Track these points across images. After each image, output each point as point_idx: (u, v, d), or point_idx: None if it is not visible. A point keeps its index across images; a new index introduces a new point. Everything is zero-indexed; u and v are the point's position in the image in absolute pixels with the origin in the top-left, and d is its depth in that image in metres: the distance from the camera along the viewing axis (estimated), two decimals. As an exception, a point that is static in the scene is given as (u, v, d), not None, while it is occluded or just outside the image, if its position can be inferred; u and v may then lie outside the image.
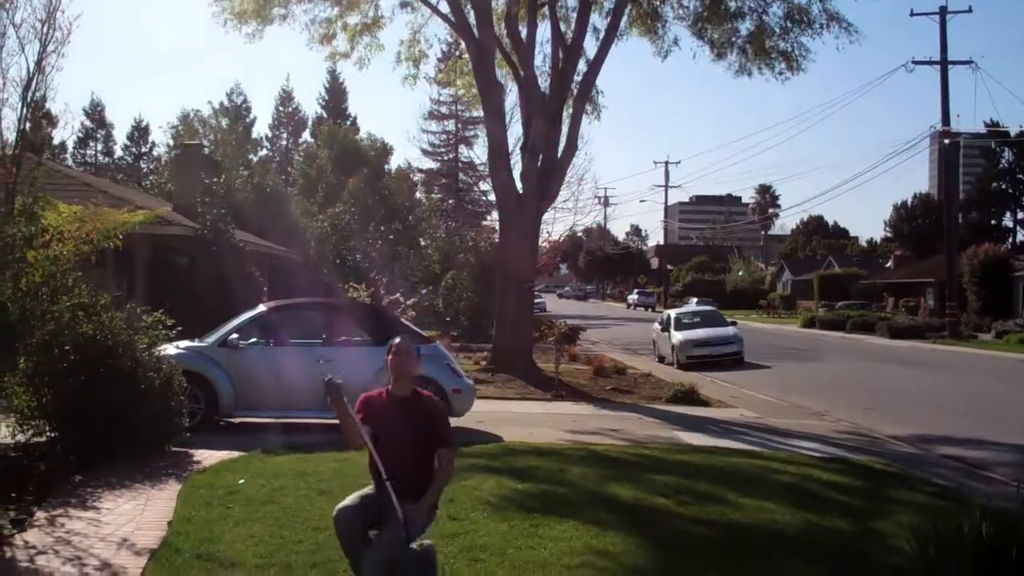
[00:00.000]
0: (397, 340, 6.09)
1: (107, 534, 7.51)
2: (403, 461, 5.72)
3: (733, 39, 24.03)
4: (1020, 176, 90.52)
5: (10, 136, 9.18)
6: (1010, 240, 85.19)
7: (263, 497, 8.78)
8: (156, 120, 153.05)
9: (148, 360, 11.11)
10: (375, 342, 14.10)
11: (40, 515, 8.05)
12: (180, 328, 12.99)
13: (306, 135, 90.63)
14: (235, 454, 11.13)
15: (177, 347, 13.20)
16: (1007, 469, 12.24)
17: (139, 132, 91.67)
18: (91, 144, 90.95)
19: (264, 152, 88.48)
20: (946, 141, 45.15)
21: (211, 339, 13.97)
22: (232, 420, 13.90)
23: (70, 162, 74.70)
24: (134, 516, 8.13)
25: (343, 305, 19.20)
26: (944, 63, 44.03)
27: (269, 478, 9.66)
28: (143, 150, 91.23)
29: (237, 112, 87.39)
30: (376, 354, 13.76)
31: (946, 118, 44.02)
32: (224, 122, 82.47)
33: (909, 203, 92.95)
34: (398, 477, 5.63)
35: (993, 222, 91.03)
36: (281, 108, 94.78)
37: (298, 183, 62.91)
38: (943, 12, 43.92)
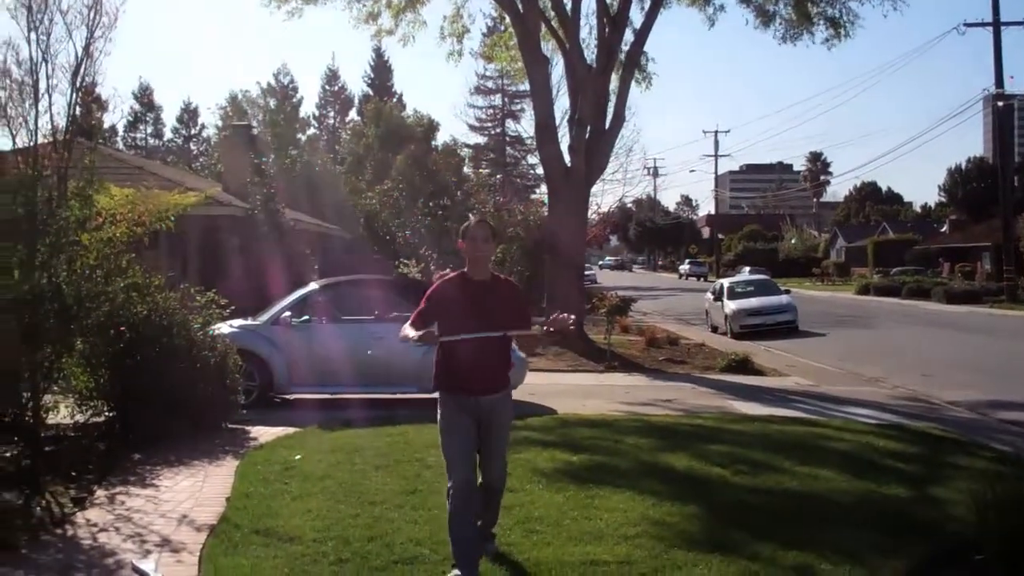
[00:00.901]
0: (472, 222, 5.99)
1: (167, 511, 7.61)
2: (486, 350, 5.81)
3: (779, 5, 23.70)
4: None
5: (61, 121, 9.27)
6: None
7: (320, 472, 8.86)
8: (204, 102, 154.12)
9: (203, 339, 11.25)
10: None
11: (100, 493, 8.18)
12: (233, 307, 13.14)
13: (353, 113, 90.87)
14: (291, 430, 11.24)
15: (231, 326, 13.35)
16: (1069, 433, 12.04)
17: (188, 114, 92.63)
18: (141, 127, 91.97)
19: (312, 131, 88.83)
20: (1000, 104, 44.35)
21: (264, 317, 14.11)
22: (287, 397, 14.04)
23: (120, 146, 75.65)
24: (193, 492, 8.24)
25: (393, 281, 19.30)
26: (996, 24, 43.18)
27: (325, 453, 9.74)
28: (192, 132, 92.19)
29: (284, 92, 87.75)
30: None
31: (999, 80, 43.22)
32: (272, 102, 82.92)
33: (963, 167, 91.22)
34: (475, 370, 5.81)
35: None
36: (327, 87, 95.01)
37: (346, 161, 63.12)
38: (995, -28, 43.02)
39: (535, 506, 7.55)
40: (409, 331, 5.86)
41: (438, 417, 5.98)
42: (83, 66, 9.14)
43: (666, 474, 8.91)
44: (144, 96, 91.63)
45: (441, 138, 72.70)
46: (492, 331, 5.78)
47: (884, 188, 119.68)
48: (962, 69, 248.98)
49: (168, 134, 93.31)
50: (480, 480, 6.03)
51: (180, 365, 10.59)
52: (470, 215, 51.47)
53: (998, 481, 6.05)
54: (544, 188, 31.64)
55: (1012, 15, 68.50)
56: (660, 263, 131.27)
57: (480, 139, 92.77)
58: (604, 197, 58.58)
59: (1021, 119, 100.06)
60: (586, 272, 35.34)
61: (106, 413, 10.62)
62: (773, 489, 8.39)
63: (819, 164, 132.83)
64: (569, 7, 23.22)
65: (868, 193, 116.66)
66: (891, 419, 12.89)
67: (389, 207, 44.69)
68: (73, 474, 8.75)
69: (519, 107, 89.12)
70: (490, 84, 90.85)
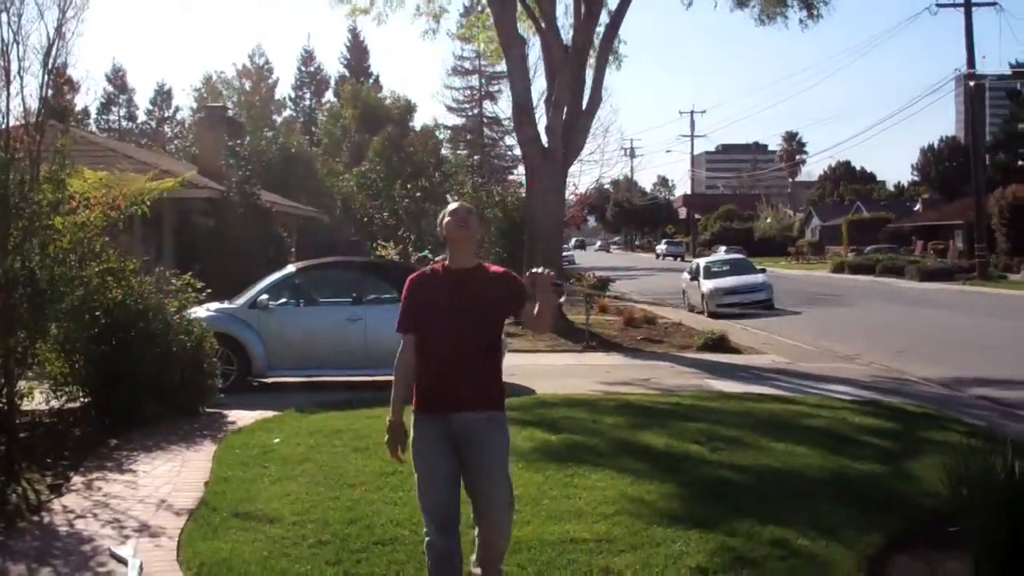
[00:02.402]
0: (453, 206, 5.09)
1: (145, 496, 7.60)
2: (465, 350, 4.81)
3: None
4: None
5: (33, 104, 9.18)
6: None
7: (299, 456, 8.86)
8: (179, 84, 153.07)
9: (179, 323, 11.22)
10: (404, 299, 14.17)
11: (77, 480, 8.16)
12: (209, 290, 13.10)
13: (329, 95, 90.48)
14: (269, 414, 11.24)
15: (207, 309, 13.31)
16: (1040, 407, 12.18)
17: (162, 96, 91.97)
18: (114, 109, 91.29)
19: (288, 113, 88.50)
20: (971, 83, 44.58)
21: (241, 300, 14.06)
22: (265, 380, 14.01)
23: (93, 128, 75.04)
24: (171, 478, 8.22)
25: (371, 263, 19.25)
26: (968, 5, 43.43)
27: (304, 436, 9.74)
28: (166, 114, 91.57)
29: (259, 73, 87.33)
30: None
31: (971, 60, 43.50)
32: (247, 84, 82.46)
33: (936, 146, 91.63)
34: (448, 376, 4.80)
35: (1020, 163, 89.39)
36: (303, 68, 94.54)
37: (323, 143, 62.91)
38: (967, -48, 43.21)
39: (515, 486, 7.55)
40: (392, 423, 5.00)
41: (410, 442, 4.93)
42: (55, 47, 9.05)
43: (644, 452, 8.96)
44: (117, 78, 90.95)
45: (419, 120, 72.56)
46: (474, 323, 4.82)
47: (858, 167, 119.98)
48: (935, 49, 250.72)
49: (142, 116, 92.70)
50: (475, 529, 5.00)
51: (156, 349, 10.56)
52: (448, 196, 51.45)
53: (971, 455, 6.09)
54: (522, 169, 31.64)
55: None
56: (637, 243, 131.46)
57: (458, 120, 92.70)
58: (582, 178, 58.74)
59: (992, 99, 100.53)
60: (564, 252, 35.36)
61: (82, 399, 10.57)
62: (750, 466, 8.44)
63: (794, 144, 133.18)
64: (545, -14, 23.15)
65: (842, 172, 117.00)
66: (866, 395, 12.99)
67: (366, 189, 44.58)
68: (49, 460, 8.72)
69: (496, 88, 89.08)
70: (467, 65, 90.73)
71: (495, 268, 5.10)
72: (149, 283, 11.21)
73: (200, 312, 12.63)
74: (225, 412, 11.39)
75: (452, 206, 5.11)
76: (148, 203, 11.52)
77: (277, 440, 9.58)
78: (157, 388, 10.42)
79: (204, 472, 8.37)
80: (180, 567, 5.98)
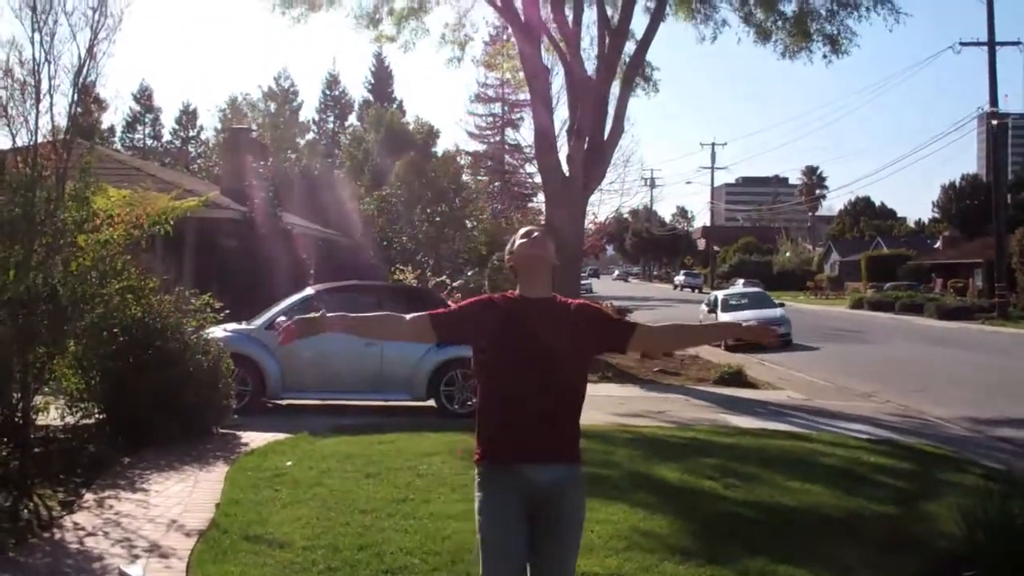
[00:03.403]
0: (524, 230, 4.45)
1: (156, 516, 7.59)
2: (544, 392, 4.06)
3: (779, 22, 23.77)
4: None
5: (61, 122, 9.28)
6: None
7: (310, 479, 8.84)
8: (204, 104, 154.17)
9: (196, 342, 11.23)
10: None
11: (89, 497, 8.16)
12: (228, 311, 13.13)
13: (352, 118, 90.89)
14: (282, 436, 11.23)
15: (225, 330, 13.34)
16: (1059, 451, 12.08)
17: (187, 116, 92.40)
18: (139, 128, 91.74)
19: (311, 135, 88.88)
20: (994, 122, 44.49)
21: (259, 322, 14.10)
22: (280, 402, 14.03)
23: (118, 146, 75.61)
24: (183, 498, 8.22)
25: (390, 287, 19.30)
26: (992, 44, 43.38)
27: (316, 460, 9.72)
28: (191, 134, 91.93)
29: (284, 96, 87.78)
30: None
31: (994, 99, 43.49)
32: (272, 106, 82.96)
33: (957, 184, 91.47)
34: (527, 423, 4.05)
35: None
36: (328, 92, 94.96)
37: (345, 166, 63.16)
38: (990, -7, 43.25)
39: (526, 516, 7.52)
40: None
41: (475, 504, 4.14)
42: (86, 67, 9.16)
43: (658, 486, 8.91)
44: (144, 97, 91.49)
45: (441, 145, 72.82)
46: (553, 362, 4.08)
47: (878, 203, 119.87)
48: (957, 87, 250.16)
49: (167, 135, 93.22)
50: None
51: (173, 368, 10.56)
52: (467, 222, 51.30)
53: (988, 498, 6.05)
54: (542, 197, 31.64)
55: (1007, 35, 68.92)
56: (655, 274, 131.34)
57: (479, 146, 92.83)
58: (601, 207, 58.68)
59: (1015, 137, 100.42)
60: (582, 281, 35.36)
61: (97, 415, 10.59)
62: (765, 503, 8.39)
63: (815, 178, 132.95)
64: (571, 18, 23.26)
65: (862, 208, 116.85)
66: (883, 434, 12.91)
67: (387, 213, 44.68)
68: (62, 477, 8.72)
69: (519, 116, 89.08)
70: (490, 92, 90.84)
71: (574, 301, 4.37)
72: (168, 302, 11.24)
73: (218, 332, 12.67)
74: (239, 433, 11.39)
75: (524, 229, 4.48)
76: (171, 222, 11.58)
77: (289, 463, 9.57)
78: (172, 407, 10.43)
79: (216, 493, 8.36)
80: (189, 589, 5.98)
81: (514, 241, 4.39)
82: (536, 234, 4.35)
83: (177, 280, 15.21)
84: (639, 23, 24.33)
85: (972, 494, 7.40)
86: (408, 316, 4.28)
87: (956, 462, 10.88)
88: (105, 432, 10.43)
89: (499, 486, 4.05)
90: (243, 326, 14.02)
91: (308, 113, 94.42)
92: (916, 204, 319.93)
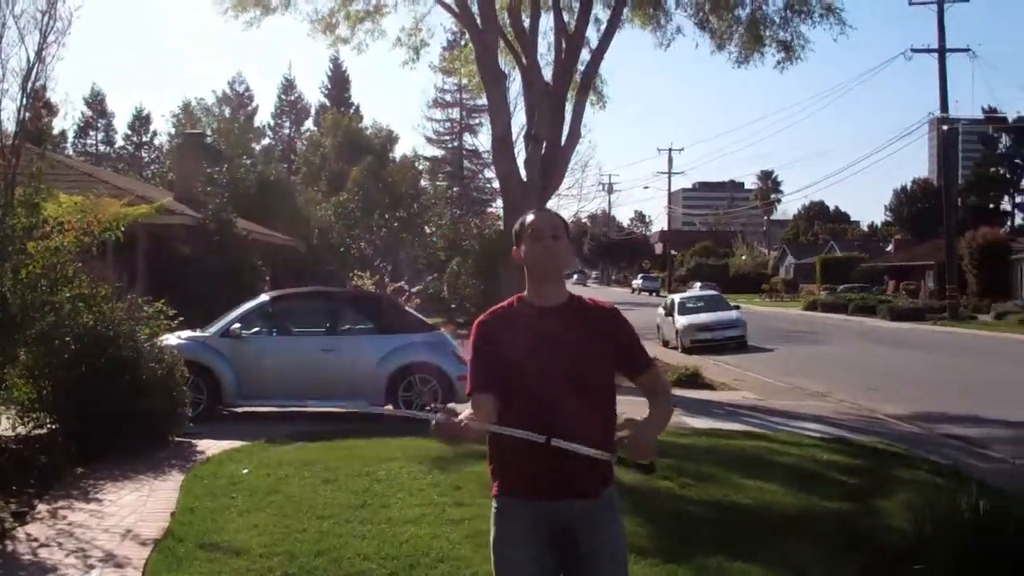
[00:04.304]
0: (531, 216, 3.72)
1: (110, 525, 7.53)
2: (563, 407, 3.46)
3: (733, 29, 24.00)
4: (1018, 161, 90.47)
5: (10, 127, 9.19)
6: (1008, 223, 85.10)
7: (267, 487, 8.80)
8: (158, 109, 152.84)
9: (150, 350, 11.11)
10: (378, 330, 14.21)
11: (42, 508, 8.07)
12: (182, 318, 13.03)
13: (309, 123, 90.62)
14: (239, 444, 11.16)
15: (179, 337, 13.23)
16: (1005, 446, 12.30)
17: (140, 121, 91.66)
18: (92, 134, 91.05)
19: (267, 141, 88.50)
20: (945, 127, 45.14)
21: (213, 329, 14.00)
22: (236, 410, 13.94)
23: (71, 152, 74.77)
24: (137, 507, 8.15)
25: (346, 294, 19.25)
26: (942, 51, 44.08)
27: (273, 467, 9.67)
28: (144, 139, 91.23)
29: (239, 101, 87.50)
30: (379, 342, 13.92)
31: (944, 105, 44.16)
32: (226, 111, 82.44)
33: (909, 188, 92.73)
34: (551, 453, 3.37)
35: (991, 206, 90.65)
36: (283, 96, 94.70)
37: (301, 171, 62.89)
38: (940, 1, 43.91)
39: (484, 520, 7.42)
40: (463, 413, 3.43)
41: (491, 541, 3.71)
42: (35, 71, 9.09)
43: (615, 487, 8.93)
44: (96, 102, 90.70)
45: (399, 150, 72.70)
46: (576, 379, 3.52)
47: (832, 207, 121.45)
48: (909, 93, 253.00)
49: (119, 141, 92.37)
50: None
51: (126, 377, 10.44)
52: (426, 228, 51.12)
53: (937, 494, 6.15)
54: (500, 202, 31.71)
55: (957, 42, 69.77)
56: (613, 278, 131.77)
57: (437, 152, 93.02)
58: (560, 212, 58.76)
59: (965, 143, 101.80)
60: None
61: (49, 425, 10.47)
62: (720, 502, 8.46)
63: (770, 183, 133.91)
64: (527, 24, 23.30)
65: (816, 212, 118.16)
66: (836, 433, 13.06)
67: (344, 218, 44.57)
68: (14, 488, 8.60)
69: (477, 121, 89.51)
70: (448, 98, 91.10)
71: (596, 301, 3.77)
72: (121, 309, 11.13)
73: (172, 340, 12.56)
74: (194, 441, 11.30)
75: (531, 216, 3.74)
76: (122, 229, 11.49)
77: (246, 471, 9.52)
78: (126, 416, 10.31)
79: (171, 502, 8.30)
80: (144, 598, 5.93)
81: (523, 231, 3.69)
82: (546, 225, 3.65)
83: (130, 287, 15.11)
84: (595, 30, 24.45)
85: (922, 490, 7.52)
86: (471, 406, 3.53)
87: (907, 459, 11.04)
88: (58, 442, 10.30)
89: (518, 520, 3.56)
90: (197, 333, 13.91)
91: (264, 118, 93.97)
92: (869, 208, 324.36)
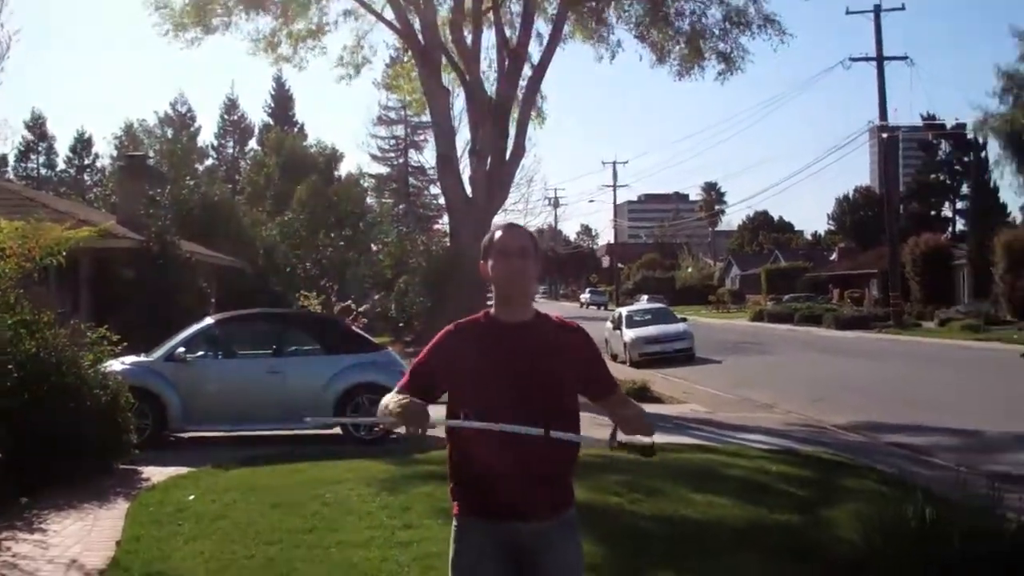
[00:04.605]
0: (500, 233, 3.67)
1: (54, 556, 7.41)
2: (524, 441, 3.41)
3: (674, 41, 24.27)
4: (958, 167, 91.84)
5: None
6: (950, 230, 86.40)
7: (214, 513, 8.71)
8: (99, 131, 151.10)
9: (93, 377, 10.96)
10: (325, 351, 14.14)
11: (-15, 539, 7.93)
12: (126, 343, 12.85)
13: (253, 143, 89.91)
14: (184, 470, 11.02)
15: (123, 363, 13.05)
16: (950, 454, 12.48)
17: (81, 144, 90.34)
18: (32, 157, 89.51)
19: (210, 161, 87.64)
20: (884, 135, 45.87)
21: (158, 353, 13.84)
22: (182, 435, 13.79)
23: (11, 176, 73.67)
24: (82, 537, 8.03)
25: (292, 315, 19.13)
26: (880, 59, 44.79)
27: (220, 493, 9.58)
28: (86, 162, 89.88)
29: (182, 122, 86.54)
30: (326, 363, 13.85)
31: (883, 113, 44.83)
32: (168, 132, 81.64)
33: (851, 196, 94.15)
34: (513, 472, 3.46)
35: (933, 213, 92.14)
36: (226, 116, 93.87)
37: (246, 191, 62.42)
38: (877, 10, 44.67)
39: (433, 542, 7.49)
40: (389, 399, 3.56)
41: (450, 559, 3.67)
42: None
43: (564, 505, 8.95)
44: (36, 126, 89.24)
45: (344, 168, 72.38)
46: (540, 399, 3.53)
47: (776, 217, 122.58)
48: (850, 101, 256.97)
49: (61, 164, 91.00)
50: None
51: (70, 404, 10.28)
52: (372, 246, 50.91)
53: (883, 503, 6.24)
54: (447, 219, 31.74)
55: (895, 50, 71.15)
56: (562, 292, 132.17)
57: (383, 169, 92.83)
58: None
59: (905, 150, 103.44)
60: (489, 302, 35.41)
61: (-9, 455, 10.27)
62: (670, 516, 8.50)
63: (713, 194, 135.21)
64: (470, 40, 23.39)
65: (761, 222, 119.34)
66: (784, 444, 13.18)
67: (290, 238, 44.28)
68: (-45, 520, 8.46)
69: (422, 138, 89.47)
70: (393, 115, 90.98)
71: (562, 320, 3.77)
72: (64, 336, 10.98)
73: (116, 365, 12.39)
74: (140, 468, 11.15)
75: (500, 232, 3.68)
76: (64, 253, 11.35)
77: (192, 497, 9.41)
78: (70, 444, 10.16)
79: (116, 531, 8.18)
80: (90, 630, 5.84)
81: (491, 247, 3.64)
82: (514, 241, 3.61)
83: (73, 313, 14.92)
84: (538, 46, 24.59)
85: (869, 500, 7.61)
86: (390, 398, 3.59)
87: (854, 469, 11.17)
88: (0, 472, 10.12)
89: (476, 539, 3.56)
90: (142, 358, 13.75)
91: (207, 138, 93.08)
92: (813, 217, 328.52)
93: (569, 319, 3.83)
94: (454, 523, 3.65)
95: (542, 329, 3.64)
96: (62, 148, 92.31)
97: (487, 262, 3.64)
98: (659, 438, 13.54)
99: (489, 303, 3.83)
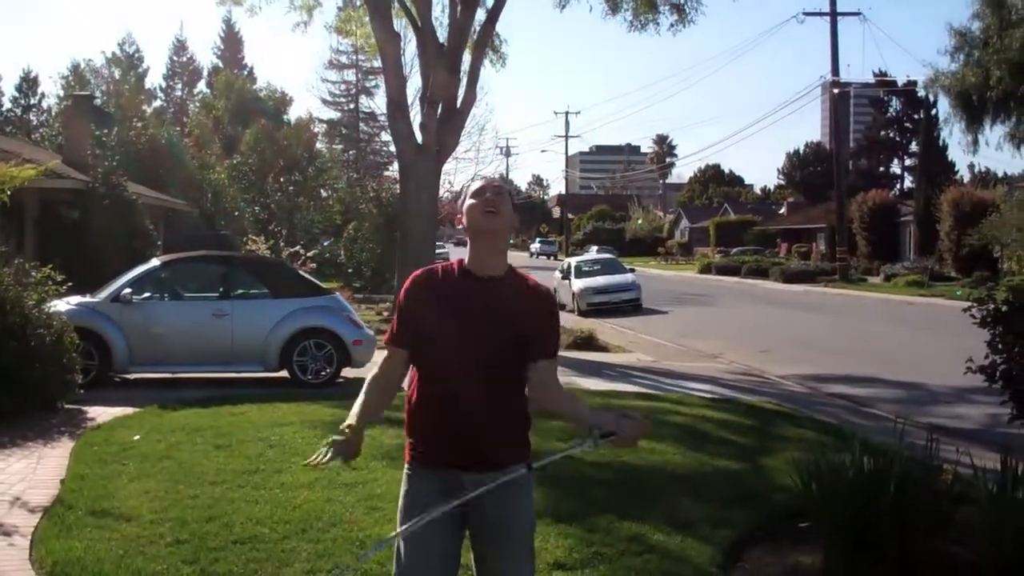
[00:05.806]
0: (475, 184, 3.67)
1: (-3, 493, 7.39)
2: (485, 387, 3.49)
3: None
4: (907, 125, 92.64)
5: None
6: (898, 186, 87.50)
7: (159, 453, 8.71)
8: (46, 71, 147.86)
9: (38, 316, 10.88)
10: (272, 295, 14.09)
11: (-74, 476, 7.88)
12: (71, 283, 12.72)
13: (202, 86, 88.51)
14: (130, 410, 11.01)
15: (68, 303, 12.94)
16: (890, 405, 12.72)
17: (28, 83, 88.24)
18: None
19: (158, 103, 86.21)
20: (836, 91, 46.17)
21: (103, 294, 13.72)
22: (127, 376, 13.72)
23: (-46, 115, 72.02)
24: (26, 475, 8.00)
25: (238, 258, 18.99)
26: (833, 14, 45.07)
27: (165, 433, 9.57)
28: (32, 102, 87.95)
29: (130, 62, 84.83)
30: (273, 307, 13.81)
31: (836, 68, 45.21)
32: (116, 72, 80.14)
33: (801, 151, 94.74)
34: (469, 419, 3.51)
35: (882, 169, 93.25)
36: (175, 58, 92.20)
37: (194, 134, 61.56)
38: (832, -37, 44.77)
39: (377, 484, 7.58)
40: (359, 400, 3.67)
41: (399, 503, 3.69)
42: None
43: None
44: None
45: (294, 113, 71.55)
46: (500, 351, 3.51)
47: (727, 171, 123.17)
48: (803, 56, 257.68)
49: (7, 103, 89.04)
50: None
51: (13, 343, 10.24)
52: (322, 191, 50.47)
53: (822, 452, 6.36)
54: (397, 165, 31.56)
55: (848, 6, 71.50)
56: (512, 241, 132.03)
57: (334, 114, 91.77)
58: (457, 176, 58.50)
59: (856, 106, 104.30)
60: (438, 250, 35.40)
61: (-67, 394, 10.19)
62: (611, 463, 8.60)
63: (665, 146, 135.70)
64: (423, -17, 23.15)
65: (711, 175, 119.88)
66: (727, 393, 13.39)
67: (238, 182, 43.81)
68: None
69: (373, 83, 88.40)
70: (344, 59, 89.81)
71: (530, 279, 3.71)
72: (7, 275, 10.86)
73: (61, 305, 12.28)
74: (85, 408, 11.11)
75: (476, 184, 3.68)
76: (8, 192, 11.19)
77: (137, 437, 9.40)
78: (14, 383, 10.10)
79: (61, 469, 8.17)
80: (32, 566, 5.85)
81: (465, 195, 3.65)
82: (489, 195, 3.57)
83: (17, 252, 14.71)
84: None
85: (808, 449, 7.75)
86: (379, 366, 3.70)
87: (794, 419, 11.36)
88: (-58, 410, 10.05)
89: (425, 484, 3.58)
90: (87, 299, 13.63)
91: (155, 80, 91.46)
92: (763, 171, 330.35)
93: (542, 284, 3.79)
94: (405, 468, 3.67)
95: (514, 285, 3.62)
96: (8, 87, 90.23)
97: (462, 209, 3.62)
98: (604, 385, 13.71)
99: (440, 251, 3.86)
